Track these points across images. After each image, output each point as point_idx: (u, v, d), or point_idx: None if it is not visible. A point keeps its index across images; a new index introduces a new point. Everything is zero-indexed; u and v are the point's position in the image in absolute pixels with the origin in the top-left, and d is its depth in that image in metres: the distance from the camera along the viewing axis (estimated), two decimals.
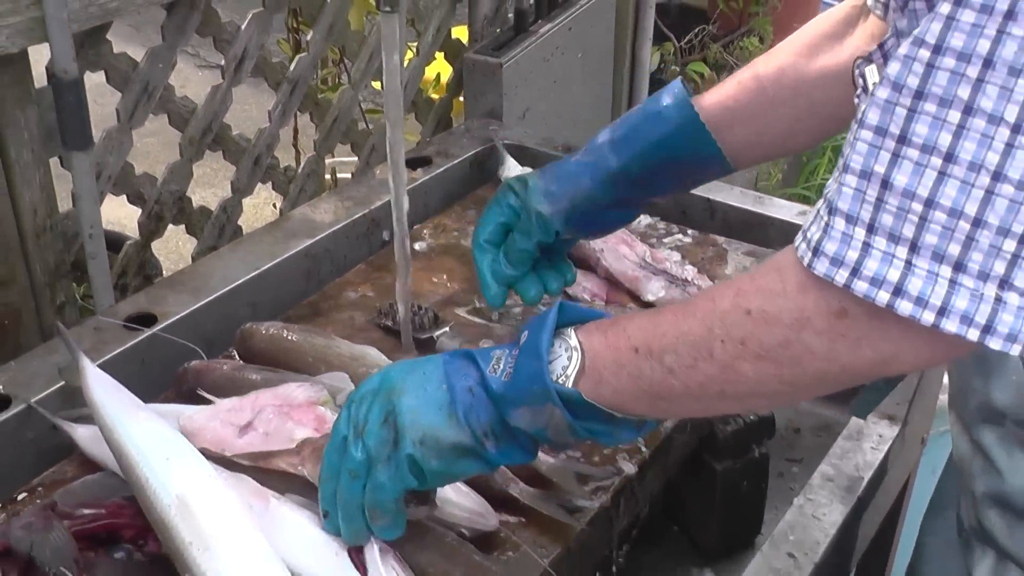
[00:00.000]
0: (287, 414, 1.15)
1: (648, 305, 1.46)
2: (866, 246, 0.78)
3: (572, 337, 0.96)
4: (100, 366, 1.21)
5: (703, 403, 0.94)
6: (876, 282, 0.77)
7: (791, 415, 1.77)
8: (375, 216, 1.70)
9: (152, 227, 1.78)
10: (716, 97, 1.27)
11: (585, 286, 1.50)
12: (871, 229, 0.77)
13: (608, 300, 1.48)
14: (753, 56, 3.35)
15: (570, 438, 0.96)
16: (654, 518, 1.57)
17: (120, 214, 2.11)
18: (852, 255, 0.78)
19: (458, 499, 1.07)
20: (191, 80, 1.78)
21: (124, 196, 1.76)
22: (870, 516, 1.46)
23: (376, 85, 2.23)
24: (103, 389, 1.18)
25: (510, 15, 2.18)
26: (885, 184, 0.77)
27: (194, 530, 1.04)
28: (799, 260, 0.83)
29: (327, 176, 2.28)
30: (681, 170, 1.30)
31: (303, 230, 1.64)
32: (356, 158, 2.16)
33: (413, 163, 1.84)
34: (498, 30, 2.17)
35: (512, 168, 1.77)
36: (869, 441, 1.33)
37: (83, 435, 1.24)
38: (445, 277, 1.57)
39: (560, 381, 0.94)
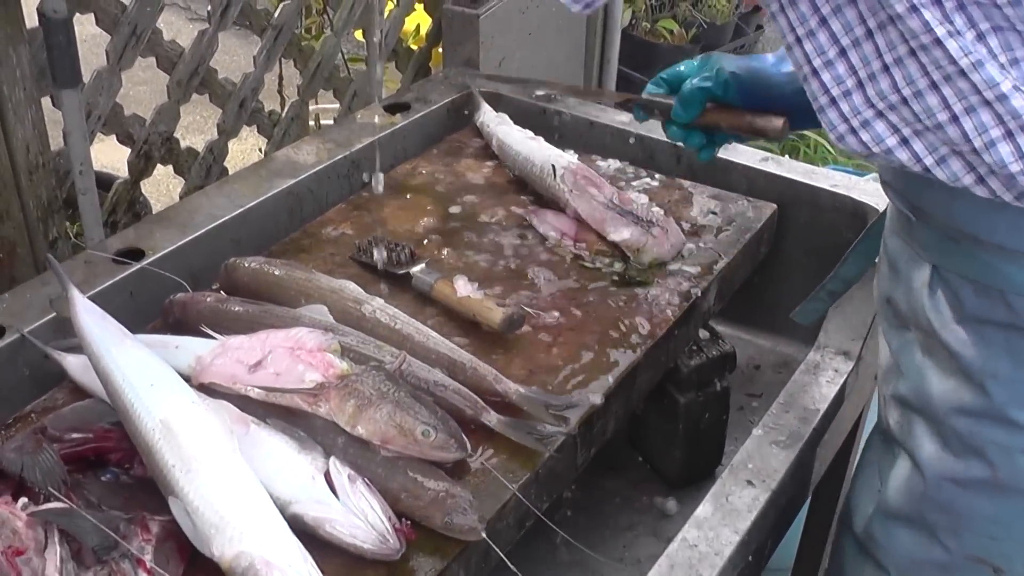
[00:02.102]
0: (298, 356, 1.13)
1: (614, 244, 1.44)
2: None
3: None
4: (90, 298, 1.20)
5: None
6: None
7: (752, 352, 1.77)
8: (355, 158, 1.67)
9: (141, 166, 1.75)
10: None
11: (554, 225, 1.48)
12: None
13: (576, 239, 1.46)
14: (721, 14, 3.34)
15: None
16: (620, 448, 1.56)
17: (113, 158, 2.07)
18: None
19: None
20: (182, 32, 1.74)
21: (114, 137, 1.72)
22: (825, 447, 1.45)
23: (358, 35, 2.19)
24: (91, 319, 1.16)
25: None
26: None
27: (177, 453, 1.02)
28: None
29: (311, 122, 2.24)
30: None
31: (286, 170, 1.62)
32: (338, 104, 2.13)
33: (392, 108, 1.81)
34: None
35: (487, 114, 1.74)
36: (825, 375, 1.32)
37: (73, 364, 1.23)
38: (422, 216, 1.55)
39: None
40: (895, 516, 1.17)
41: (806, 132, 3.92)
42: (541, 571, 1.34)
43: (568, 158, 1.57)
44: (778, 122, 1.36)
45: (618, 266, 1.41)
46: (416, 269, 1.38)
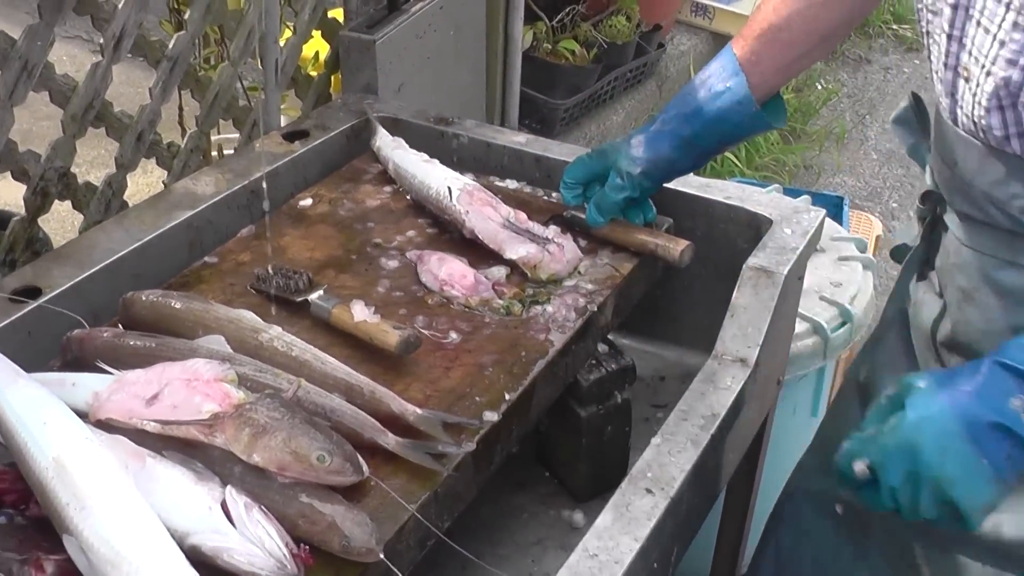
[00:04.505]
0: (195, 388, 1.13)
1: (511, 263, 1.45)
2: None
3: None
4: None
5: None
6: None
7: (657, 365, 1.78)
8: (254, 187, 1.66)
9: (38, 203, 1.72)
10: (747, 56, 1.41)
11: (435, 275, 1.45)
12: None
13: (457, 286, 1.44)
14: (622, 33, 3.37)
15: None
16: (527, 465, 1.57)
17: (12, 195, 2.04)
18: None
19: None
20: (85, 64, 1.72)
21: (9, 174, 1.70)
22: (731, 451, 1.47)
23: (259, 64, 2.18)
24: None
25: None
26: None
27: (71, 490, 1.01)
28: None
29: (214, 153, 2.23)
30: (738, 134, 1.49)
31: (185, 202, 1.61)
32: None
33: (292, 136, 1.81)
34: (372, 9, 2.13)
35: (384, 138, 1.74)
36: (723, 382, 1.34)
37: None
38: (321, 243, 1.55)
39: None
40: None
41: None
42: None
43: (464, 180, 1.57)
44: (678, 248, 1.47)
45: (500, 306, 1.41)
46: (314, 296, 1.37)
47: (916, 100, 1.41)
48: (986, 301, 1.25)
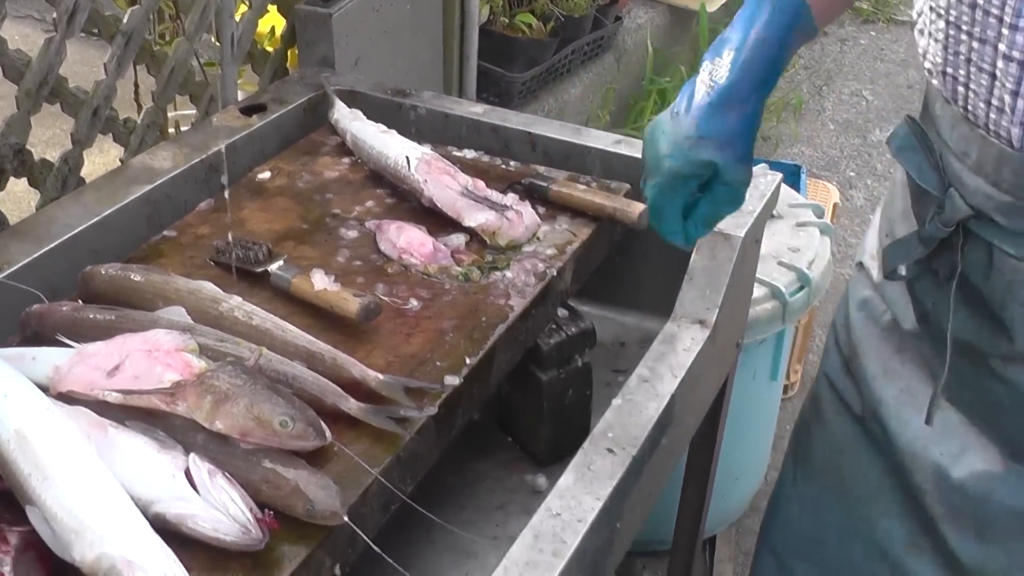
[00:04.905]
0: (156, 358, 1.12)
1: (470, 231, 1.46)
2: None
3: None
4: None
5: None
6: None
7: (617, 330, 1.80)
8: (212, 162, 1.66)
9: None
10: None
11: (394, 243, 1.45)
12: None
13: (416, 255, 1.44)
14: (579, 6, 3.37)
15: None
16: (490, 431, 1.58)
17: None
18: None
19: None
20: (38, 44, 1.70)
21: None
22: (692, 411, 1.49)
23: (213, 39, 2.17)
24: None
25: None
26: None
27: (33, 462, 1.01)
28: None
29: (172, 129, 2.22)
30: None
31: (143, 177, 1.60)
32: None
33: (249, 110, 1.80)
34: None
35: (341, 111, 1.74)
36: (682, 344, 1.35)
37: None
38: (280, 215, 1.55)
39: None
40: None
41: None
42: (414, 555, 1.35)
43: (422, 149, 1.57)
44: (636, 211, 1.46)
45: (459, 273, 1.41)
46: (274, 267, 1.37)
47: (915, 125, 1.30)
48: None
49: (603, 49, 3.68)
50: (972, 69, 1.14)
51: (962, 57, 1.15)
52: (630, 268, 1.74)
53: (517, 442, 1.55)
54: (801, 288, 2.26)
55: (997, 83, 1.11)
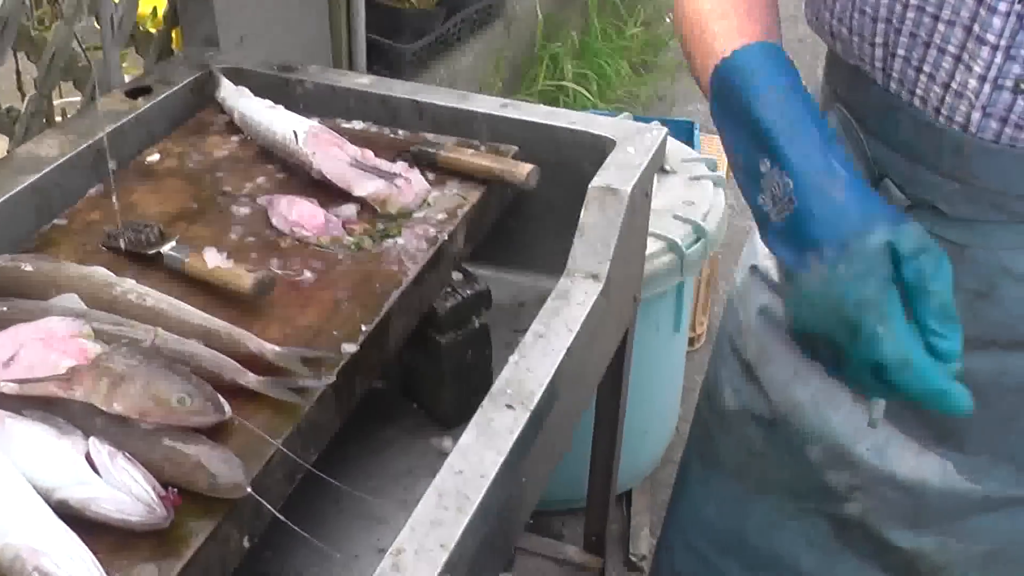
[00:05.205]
0: (51, 346, 1.12)
1: (361, 200, 1.46)
2: None
3: None
4: None
5: None
6: None
7: (515, 292, 1.82)
8: (99, 147, 1.64)
9: None
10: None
11: (286, 217, 1.46)
12: None
13: (308, 227, 1.45)
14: None
15: None
16: (394, 399, 1.59)
17: None
18: None
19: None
20: None
21: None
22: (593, 364, 1.51)
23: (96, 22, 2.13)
24: None
25: None
26: None
27: None
28: None
29: (58, 117, 2.18)
30: None
31: (29, 166, 1.58)
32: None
33: (134, 93, 1.78)
34: None
35: (227, 88, 1.73)
36: (576, 299, 1.37)
37: None
38: (171, 197, 1.54)
39: None
40: None
41: (564, 82, 4.02)
42: (324, 524, 1.36)
43: (310, 123, 1.58)
44: (524, 171, 1.49)
45: (351, 243, 1.42)
46: (167, 248, 1.37)
47: (842, 115, 1.27)
48: (1006, 292, 1.20)
49: (492, 17, 3.69)
50: (933, 52, 1.11)
51: (920, 40, 1.12)
52: (524, 229, 1.76)
53: (422, 407, 1.57)
54: (697, 240, 2.30)
55: (961, 66, 1.09)
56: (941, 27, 1.10)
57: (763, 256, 1.48)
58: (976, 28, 1.07)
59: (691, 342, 3.23)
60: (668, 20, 5.26)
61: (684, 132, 3.05)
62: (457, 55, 3.51)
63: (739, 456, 1.56)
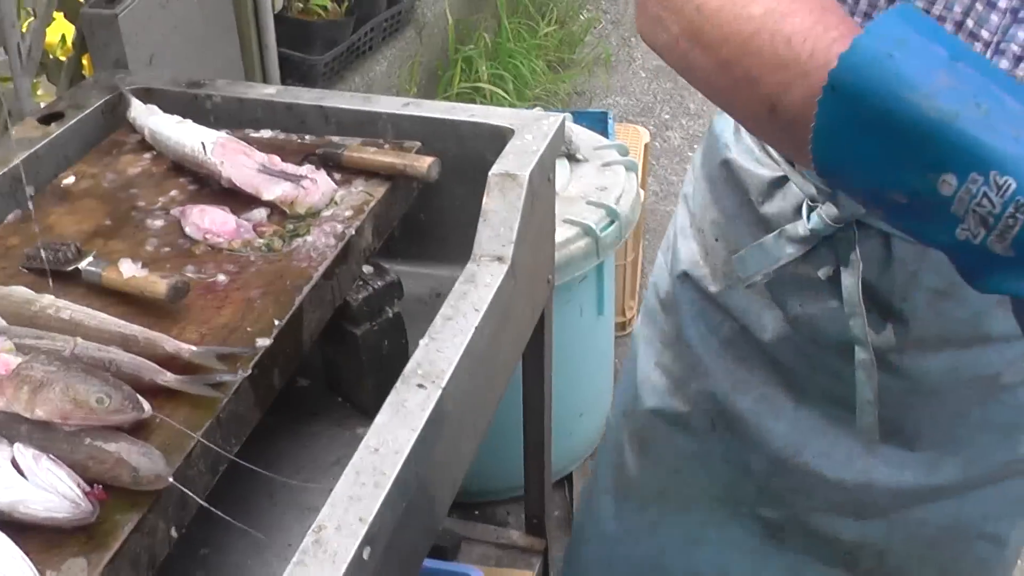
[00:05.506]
0: None
1: (271, 204, 1.51)
2: None
3: None
4: None
5: None
6: None
7: (433, 284, 1.86)
8: (15, 174, 1.67)
9: None
10: None
11: (199, 225, 1.50)
12: None
13: (221, 234, 1.49)
14: None
15: None
16: (319, 394, 1.64)
17: None
18: None
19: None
20: None
21: None
22: (507, 343, 1.56)
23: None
24: None
25: None
26: None
27: None
28: None
29: None
30: None
31: None
32: None
33: (47, 119, 1.81)
34: None
35: (137, 108, 1.77)
36: (483, 281, 1.42)
37: None
38: (88, 216, 1.58)
39: None
40: None
41: (480, 84, 4.08)
42: (258, 517, 1.40)
43: (218, 134, 1.62)
44: (425, 164, 1.54)
45: (262, 244, 1.47)
46: (84, 263, 1.41)
47: None
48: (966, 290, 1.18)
49: (402, 24, 3.74)
50: None
51: None
52: (437, 223, 1.82)
53: (346, 400, 1.62)
54: (612, 223, 2.37)
55: None
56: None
57: (693, 264, 1.44)
58: (970, 23, 0.97)
59: (622, 326, 3.30)
60: (583, 17, 5.34)
61: (599, 122, 3.12)
62: (371, 63, 3.56)
63: (660, 476, 1.55)
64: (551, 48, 4.80)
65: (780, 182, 1.27)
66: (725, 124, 1.37)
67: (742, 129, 1.32)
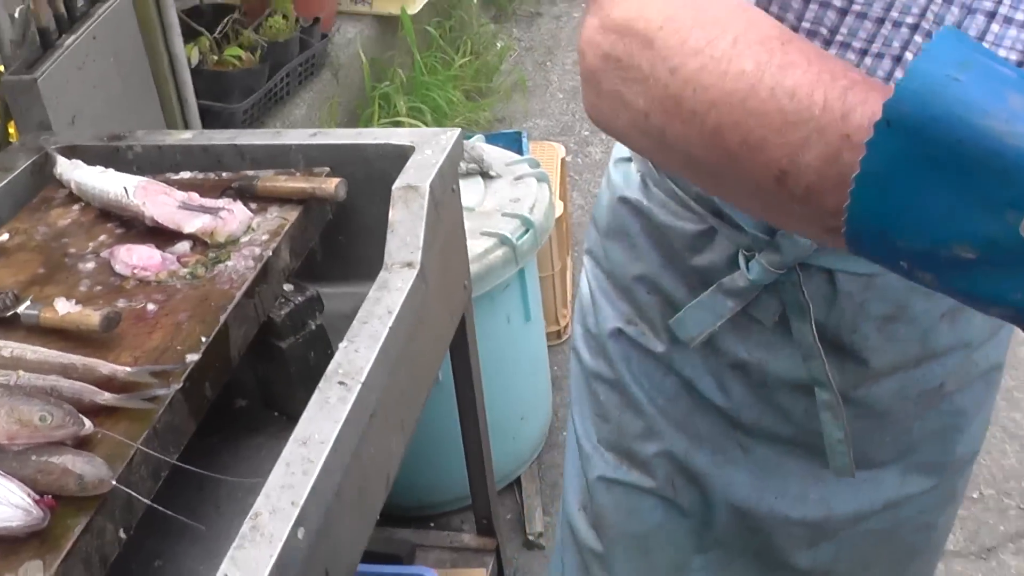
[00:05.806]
0: None
1: (193, 236, 1.62)
2: None
3: None
4: None
5: None
6: None
7: (358, 301, 1.95)
8: None
9: None
10: None
11: (126, 262, 1.59)
12: None
13: (147, 268, 1.59)
14: (282, 31, 3.54)
15: None
16: (257, 412, 1.74)
17: None
18: None
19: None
20: None
21: None
22: (426, 344, 1.67)
23: None
24: None
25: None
26: None
27: None
28: None
29: None
30: None
31: None
32: None
33: None
34: (27, 52, 2.23)
35: (63, 164, 1.87)
36: (394, 286, 1.53)
37: None
38: (23, 267, 1.67)
39: None
40: None
41: (399, 118, 4.20)
42: (203, 522, 1.49)
43: (139, 178, 1.72)
44: (332, 185, 1.64)
45: (186, 273, 1.57)
46: (22, 308, 1.50)
47: None
48: (916, 307, 1.16)
49: (317, 67, 3.85)
50: (868, 60, 0.93)
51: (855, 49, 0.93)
52: (354, 244, 1.93)
53: (282, 412, 1.72)
54: (527, 231, 2.49)
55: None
56: (868, 61, 0.93)
57: (625, 322, 1.34)
58: (908, 55, 0.92)
59: (557, 335, 3.42)
60: (498, 46, 5.48)
61: (515, 143, 3.25)
62: (290, 107, 3.67)
63: (630, 558, 1.48)
64: (467, 78, 4.94)
65: (708, 234, 1.18)
66: (626, 177, 1.28)
67: (650, 180, 1.23)
